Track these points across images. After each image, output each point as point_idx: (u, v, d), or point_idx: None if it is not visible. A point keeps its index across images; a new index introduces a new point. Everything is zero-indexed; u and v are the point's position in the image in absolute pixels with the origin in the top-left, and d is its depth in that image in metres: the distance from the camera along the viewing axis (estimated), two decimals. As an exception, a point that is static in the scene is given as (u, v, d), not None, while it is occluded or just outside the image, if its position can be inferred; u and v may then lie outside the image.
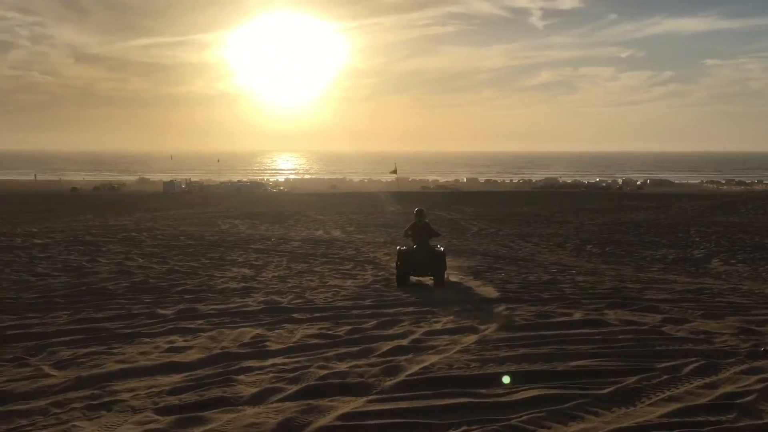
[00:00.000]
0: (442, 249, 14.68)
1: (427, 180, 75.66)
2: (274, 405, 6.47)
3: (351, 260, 17.40)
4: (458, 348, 8.48)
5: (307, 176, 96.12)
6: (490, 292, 12.59)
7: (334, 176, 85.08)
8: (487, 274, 14.82)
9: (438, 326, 9.81)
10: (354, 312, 11.02)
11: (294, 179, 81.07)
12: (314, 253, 18.57)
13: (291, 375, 7.44)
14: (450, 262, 16.77)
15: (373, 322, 10.22)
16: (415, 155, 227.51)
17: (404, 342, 8.89)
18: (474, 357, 8.01)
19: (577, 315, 10.44)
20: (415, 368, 7.56)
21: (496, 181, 75.59)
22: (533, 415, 6.09)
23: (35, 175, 78.71)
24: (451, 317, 10.43)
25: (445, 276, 14.25)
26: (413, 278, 14.27)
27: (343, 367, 7.76)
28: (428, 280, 14.30)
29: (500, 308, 10.97)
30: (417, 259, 14.12)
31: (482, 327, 9.64)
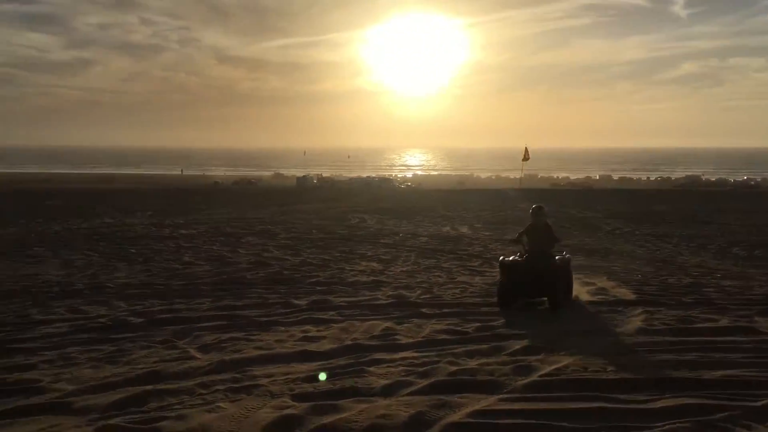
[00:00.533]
0: (567, 256, 11.75)
1: (557, 177, 73.65)
2: (405, 398, 6.53)
3: (479, 257, 17.23)
4: (593, 350, 8.19)
5: (434, 172, 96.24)
6: (625, 293, 12.04)
7: (461, 172, 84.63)
8: (622, 275, 14.17)
9: (571, 327, 9.52)
10: (483, 309, 10.90)
11: (421, 175, 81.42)
12: (442, 249, 18.56)
13: (421, 369, 7.47)
14: (581, 261, 16.17)
15: (503, 320, 10.07)
16: (544, 152, 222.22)
17: (535, 341, 8.70)
18: (610, 360, 7.70)
19: (724, 321, 9.78)
20: (548, 369, 7.37)
21: (631, 179, 72.20)
22: (678, 425, 5.76)
23: (182, 170, 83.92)
24: (585, 319, 10.09)
25: (573, 296, 11.45)
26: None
27: (472, 364, 7.70)
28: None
29: (637, 311, 10.47)
30: (528, 273, 10.87)
31: (618, 330, 9.26)
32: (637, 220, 26.45)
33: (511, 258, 11.36)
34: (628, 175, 79.29)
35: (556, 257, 11.30)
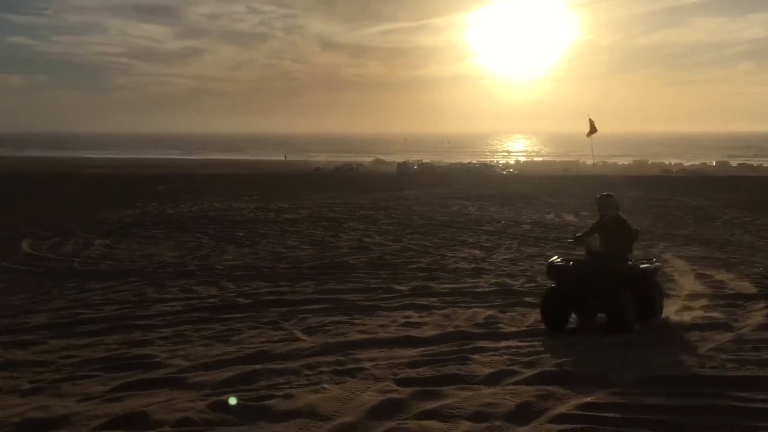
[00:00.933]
0: (655, 263, 9.32)
1: (669, 163, 70.37)
2: (510, 387, 6.41)
3: (585, 246, 16.70)
4: (710, 346, 7.75)
5: (537, 158, 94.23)
6: (746, 287, 11.33)
7: (565, 158, 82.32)
8: (741, 267, 13.34)
9: (686, 320, 9.05)
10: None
11: (524, 161, 79.85)
12: (545, 237, 18.12)
13: (526, 359, 7.32)
14: (696, 251, 15.39)
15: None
16: (654, 136, 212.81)
17: (647, 334, 8.33)
18: (730, 357, 7.26)
19: None
20: (661, 363, 7.03)
21: (751, 165, 67.78)
22: (805, 428, 5.36)
23: (285, 156, 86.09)
24: (701, 312, 9.56)
25: (663, 314, 9.05)
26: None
27: (579, 355, 7.46)
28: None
29: (759, 305, 9.82)
30: (581, 280, 8.48)
31: (738, 325, 8.71)
32: (758, 210, 24.86)
33: (559, 260, 9.06)
34: (748, 162, 74.64)
35: (643, 265, 9.00)
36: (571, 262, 8.83)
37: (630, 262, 8.83)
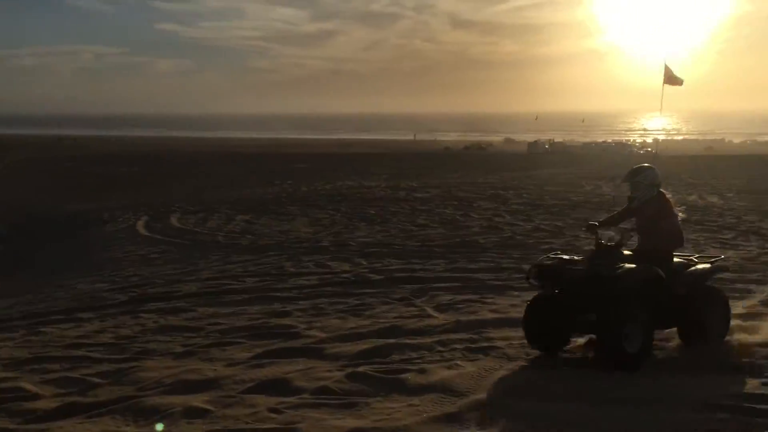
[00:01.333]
0: (715, 263, 7.13)
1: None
2: (648, 373, 6.16)
3: (732, 229, 15.67)
4: None
5: (678, 137, 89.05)
6: None
7: (709, 137, 77.27)
8: None
9: None
10: (737, 286, 9.90)
11: (663, 140, 75.68)
12: (687, 219, 17.08)
13: (669, 344, 7.01)
14: None
15: (762, 297, 9.08)
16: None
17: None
18: None
19: None
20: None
21: None
22: None
23: (414, 135, 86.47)
24: None
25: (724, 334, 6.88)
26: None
27: (725, 343, 7.04)
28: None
29: None
30: (576, 285, 6.39)
31: None
32: None
33: (551, 258, 6.82)
34: None
35: (698, 266, 6.79)
36: (565, 260, 6.68)
37: (677, 260, 6.80)
